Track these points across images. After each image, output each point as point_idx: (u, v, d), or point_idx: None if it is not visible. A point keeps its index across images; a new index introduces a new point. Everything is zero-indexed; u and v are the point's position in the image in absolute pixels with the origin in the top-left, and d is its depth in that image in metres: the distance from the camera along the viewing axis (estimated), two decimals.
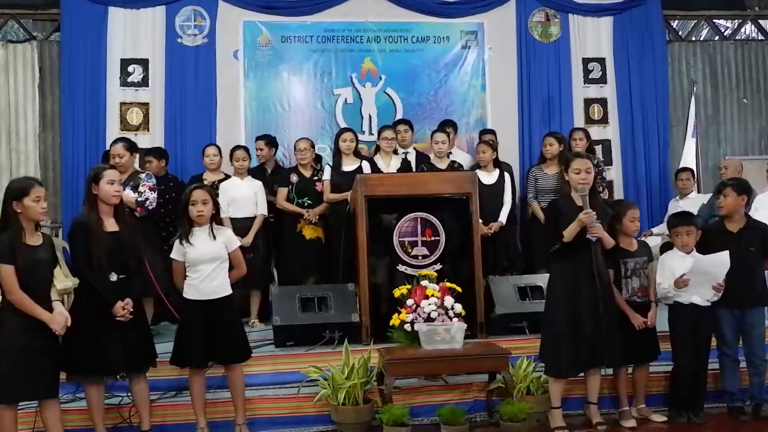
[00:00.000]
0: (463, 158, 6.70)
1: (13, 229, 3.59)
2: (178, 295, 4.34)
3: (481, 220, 5.78)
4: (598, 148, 7.61)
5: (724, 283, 4.34)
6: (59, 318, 3.67)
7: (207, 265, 4.17)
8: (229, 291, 4.27)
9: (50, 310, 3.68)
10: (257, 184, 6.15)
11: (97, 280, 3.89)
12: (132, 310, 3.93)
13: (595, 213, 4.11)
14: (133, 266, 4.04)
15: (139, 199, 5.25)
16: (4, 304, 3.63)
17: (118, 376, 4.17)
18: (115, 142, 5.68)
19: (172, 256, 4.27)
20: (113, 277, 3.91)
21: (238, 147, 6.40)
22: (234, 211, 6.00)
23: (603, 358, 4.24)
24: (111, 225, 3.99)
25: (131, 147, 5.56)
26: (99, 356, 3.88)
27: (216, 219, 4.30)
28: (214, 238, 4.21)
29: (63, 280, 5.59)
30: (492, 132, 7.06)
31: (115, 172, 4.08)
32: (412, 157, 6.50)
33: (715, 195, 4.59)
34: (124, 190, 4.97)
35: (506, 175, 6.21)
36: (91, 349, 3.87)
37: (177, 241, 4.24)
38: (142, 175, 5.44)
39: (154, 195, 5.36)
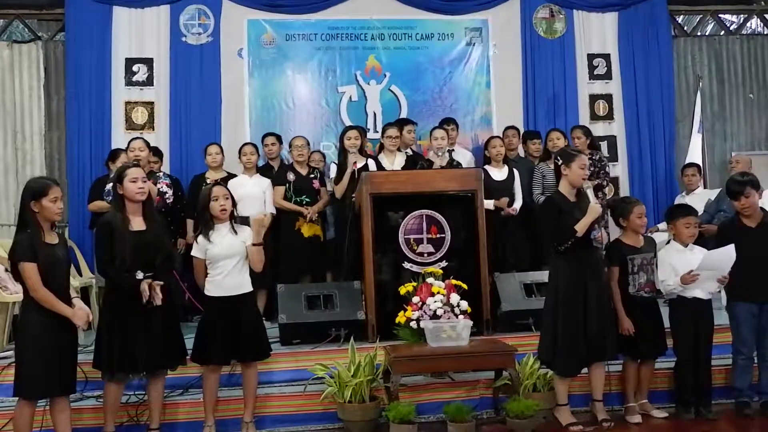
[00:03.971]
0: (463, 156, 6.70)
1: (32, 228, 3.62)
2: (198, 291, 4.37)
3: (504, 199, 5.93)
4: (604, 144, 7.60)
5: (729, 276, 4.34)
6: (80, 313, 3.70)
7: (228, 261, 4.19)
8: (250, 288, 4.28)
9: (70, 306, 3.70)
10: (265, 183, 6.14)
11: (115, 274, 3.91)
12: (160, 294, 3.89)
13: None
14: (160, 264, 4.00)
15: (161, 190, 5.40)
16: (27, 302, 3.67)
17: (143, 375, 4.18)
18: (135, 139, 5.79)
19: (193, 253, 4.30)
20: (139, 275, 3.90)
21: (246, 144, 6.42)
22: (242, 209, 5.97)
23: (604, 352, 4.24)
24: (138, 224, 4.01)
25: (148, 145, 5.72)
26: (124, 354, 3.90)
27: (233, 216, 4.32)
28: (235, 233, 4.23)
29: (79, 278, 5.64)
30: (515, 128, 7.01)
31: (138, 170, 4.09)
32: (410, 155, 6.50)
33: (734, 197, 4.54)
34: None
35: (516, 172, 6.22)
36: (118, 347, 3.89)
37: (197, 239, 4.27)
38: (160, 174, 5.66)
39: (171, 191, 5.51)
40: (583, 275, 4.18)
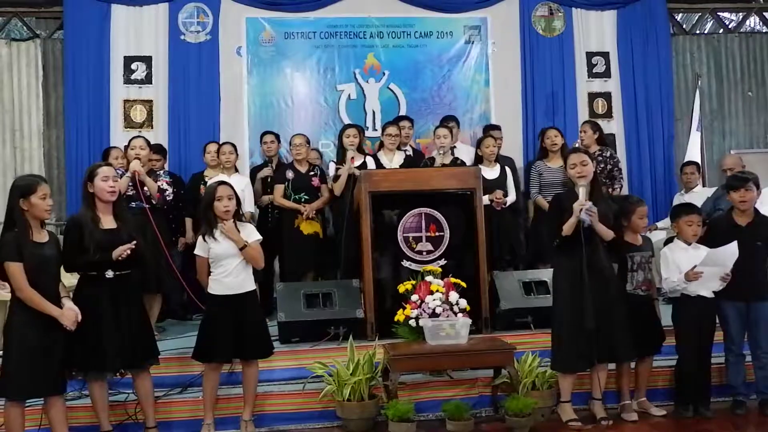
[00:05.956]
0: (466, 153, 6.69)
1: (20, 226, 3.60)
2: (199, 289, 4.34)
3: (499, 190, 5.96)
4: None
5: (731, 273, 4.35)
6: (69, 313, 3.68)
7: (232, 260, 4.18)
8: (253, 286, 4.28)
9: (59, 306, 3.68)
10: (244, 181, 6.13)
11: (84, 262, 3.86)
12: (129, 251, 3.85)
13: (589, 203, 4.14)
14: (133, 262, 3.96)
15: (161, 187, 5.35)
16: (14, 302, 3.64)
17: (117, 373, 4.15)
18: (135, 137, 5.75)
19: (196, 252, 4.27)
20: (109, 273, 3.86)
21: (225, 143, 6.38)
22: None
23: (611, 352, 4.24)
24: (108, 222, 3.98)
25: (149, 143, 5.69)
26: (94, 353, 3.85)
27: (237, 215, 4.30)
28: (238, 232, 4.21)
29: (68, 277, 5.59)
30: (498, 128, 7.06)
31: (110, 169, 4.04)
32: (409, 153, 6.52)
33: (734, 189, 4.56)
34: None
35: (508, 169, 6.23)
36: (87, 345, 3.84)
37: (201, 238, 4.24)
38: (160, 172, 5.62)
39: (172, 189, 5.49)
40: (582, 272, 4.17)
